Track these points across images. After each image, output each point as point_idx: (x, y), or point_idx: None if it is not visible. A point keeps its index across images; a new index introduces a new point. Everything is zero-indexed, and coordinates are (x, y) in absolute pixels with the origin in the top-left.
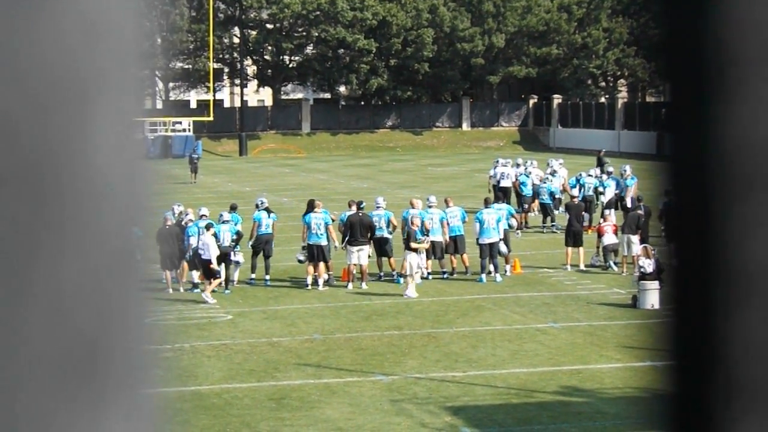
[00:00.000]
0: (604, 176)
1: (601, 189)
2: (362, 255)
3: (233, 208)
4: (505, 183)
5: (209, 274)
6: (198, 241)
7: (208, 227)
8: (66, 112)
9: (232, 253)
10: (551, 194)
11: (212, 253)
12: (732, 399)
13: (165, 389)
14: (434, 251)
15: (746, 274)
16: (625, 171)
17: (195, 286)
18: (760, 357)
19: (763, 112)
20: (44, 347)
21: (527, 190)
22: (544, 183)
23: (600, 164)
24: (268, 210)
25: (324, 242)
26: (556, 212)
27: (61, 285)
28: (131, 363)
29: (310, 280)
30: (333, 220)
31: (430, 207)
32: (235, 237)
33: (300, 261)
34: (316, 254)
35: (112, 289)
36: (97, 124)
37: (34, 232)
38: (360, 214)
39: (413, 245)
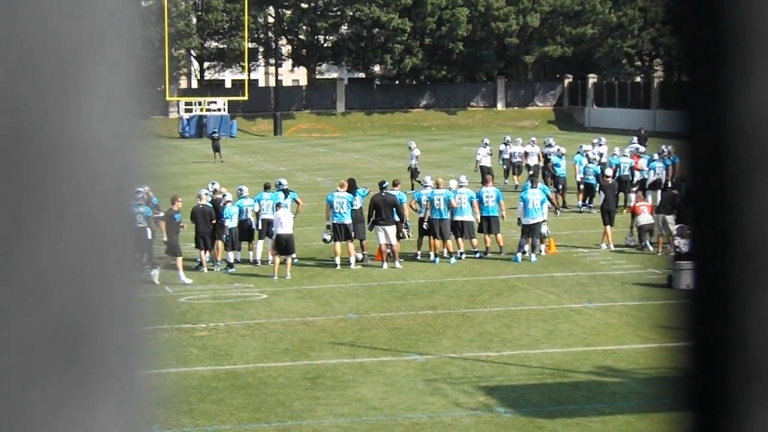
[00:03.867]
0: (656, 155)
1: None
2: (390, 234)
3: (266, 187)
4: (516, 160)
5: (282, 249)
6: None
7: (278, 205)
8: (52, 80)
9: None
10: (596, 175)
11: (287, 226)
12: (752, 384)
13: (156, 374)
14: (465, 230)
15: (766, 254)
16: (663, 151)
17: (230, 265)
18: None
19: None
20: (26, 329)
21: (561, 171)
22: (591, 163)
23: (642, 142)
24: (286, 191)
25: (347, 220)
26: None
27: (45, 263)
28: (119, 346)
29: (338, 260)
30: (369, 192)
31: (461, 187)
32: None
33: (325, 240)
34: (340, 233)
35: (99, 267)
36: (83, 96)
37: (16, 205)
38: (383, 194)
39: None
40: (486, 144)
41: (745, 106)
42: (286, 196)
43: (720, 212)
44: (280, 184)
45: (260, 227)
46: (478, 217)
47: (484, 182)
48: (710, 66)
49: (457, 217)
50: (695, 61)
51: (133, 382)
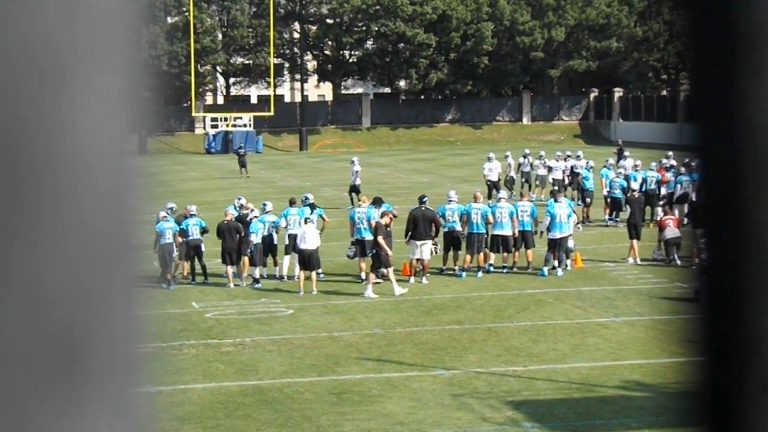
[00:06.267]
0: (682, 168)
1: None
2: (425, 249)
3: (292, 203)
4: (541, 172)
5: (306, 264)
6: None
7: (305, 220)
8: (42, 89)
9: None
10: (623, 189)
11: (311, 242)
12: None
13: (151, 388)
14: (504, 245)
15: None
16: (690, 164)
17: (256, 281)
18: None
19: None
20: (21, 342)
21: (589, 184)
22: (618, 177)
23: (620, 155)
24: (312, 206)
25: (368, 236)
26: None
27: (39, 275)
28: (115, 359)
29: (364, 275)
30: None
31: (499, 200)
32: (201, 230)
33: (349, 256)
34: (362, 249)
35: (94, 279)
36: (77, 102)
37: (9, 218)
38: (423, 209)
39: None
40: (491, 158)
41: (759, 111)
42: (312, 212)
43: (733, 220)
44: (307, 199)
45: (287, 242)
46: (517, 231)
47: (521, 196)
48: (722, 72)
49: (497, 231)
50: (708, 67)
51: (129, 393)
